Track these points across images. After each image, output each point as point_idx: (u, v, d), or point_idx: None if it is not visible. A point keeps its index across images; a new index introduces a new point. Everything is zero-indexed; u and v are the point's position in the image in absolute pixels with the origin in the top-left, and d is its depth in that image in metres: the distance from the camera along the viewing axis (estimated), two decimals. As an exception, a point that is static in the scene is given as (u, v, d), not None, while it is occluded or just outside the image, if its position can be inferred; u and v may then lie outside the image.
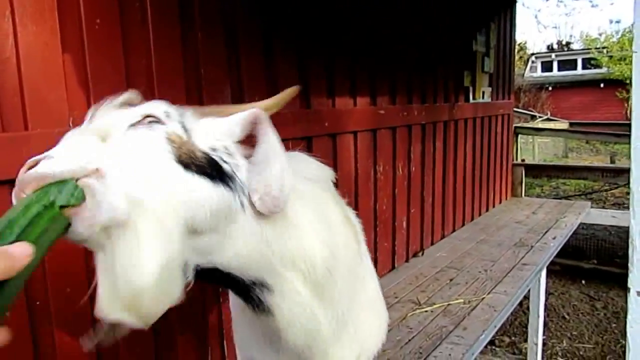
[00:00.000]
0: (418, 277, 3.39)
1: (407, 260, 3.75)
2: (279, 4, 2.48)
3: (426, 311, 2.84)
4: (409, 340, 2.51)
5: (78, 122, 1.65)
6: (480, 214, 5.02)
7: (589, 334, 4.75)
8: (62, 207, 0.72)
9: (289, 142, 2.36)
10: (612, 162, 11.50)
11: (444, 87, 4.19)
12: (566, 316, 5.10)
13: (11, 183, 1.49)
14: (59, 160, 0.76)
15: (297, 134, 2.55)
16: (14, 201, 0.76)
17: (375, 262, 3.35)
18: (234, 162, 0.95)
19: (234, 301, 1.36)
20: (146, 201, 0.77)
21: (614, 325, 4.86)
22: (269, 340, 1.20)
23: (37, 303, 1.62)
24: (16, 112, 1.53)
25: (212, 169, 0.90)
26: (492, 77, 5.12)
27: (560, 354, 4.43)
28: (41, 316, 1.63)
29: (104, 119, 0.90)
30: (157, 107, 0.93)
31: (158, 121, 0.89)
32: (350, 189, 3.07)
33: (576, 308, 5.27)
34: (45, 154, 0.78)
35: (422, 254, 3.89)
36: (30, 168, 0.75)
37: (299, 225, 1.07)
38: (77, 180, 0.74)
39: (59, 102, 1.63)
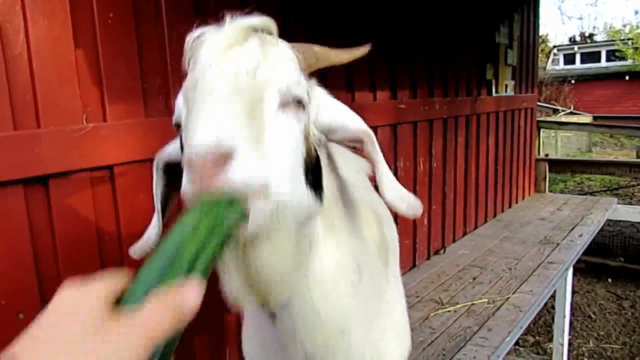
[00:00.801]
0: (440, 276, 3.31)
1: (428, 258, 3.67)
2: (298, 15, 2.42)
3: (449, 311, 2.76)
4: (432, 342, 2.44)
5: (92, 119, 1.62)
6: (503, 211, 4.90)
7: (617, 334, 4.61)
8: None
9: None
10: (638, 156, 11.22)
11: (466, 80, 4.08)
12: (592, 315, 4.96)
13: (24, 182, 1.46)
14: (246, 168, 0.70)
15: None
16: (186, 185, 0.71)
17: (396, 260, 3.28)
18: (321, 156, 0.96)
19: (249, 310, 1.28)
20: (284, 219, 0.80)
21: (644, 324, 4.72)
22: (278, 345, 1.12)
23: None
24: (28, 109, 1.49)
25: (316, 172, 0.92)
26: (515, 70, 4.99)
27: (586, 354, 4.31)
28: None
29: (252, 72, 0.80)
30: (302, 84, 0.88)
31: (302, 105, 0.87)
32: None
33: (602, 307, 5.13)
34: (224, 140, 0.68)
35: (444, 251, 3.80)
36: (215, 158, 0.68)
37: (343, 236, 1.07)
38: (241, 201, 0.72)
39: (71, 99, 1.59)
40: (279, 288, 0.87)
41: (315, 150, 0.92)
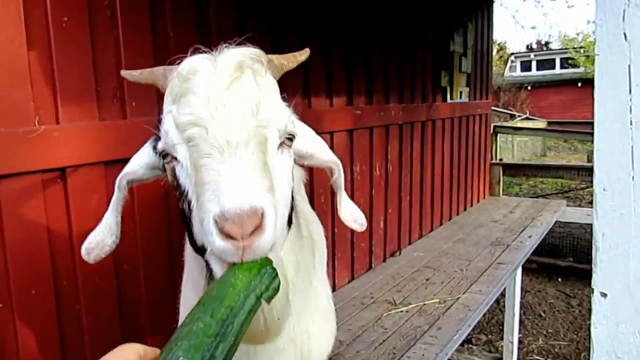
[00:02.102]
0: (394, 277, 3.40)
1: (384, 260, 3.76)
2: (255, 9, 2.46)
3: (401, 311, 2.85)
4: (384, 341, 2.51)
5: (44, 121, 1.63)
6: (458, 213, 5.05)
7: (564, 331, 4.81)
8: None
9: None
10: (589, 160, 11.66)
11: (422, 87, 4.20)
12: (542, 314, 5.16)
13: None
14: (275, 231, 0.78)
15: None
16: (220, 246, 0.76)
17: (351, 262, 3.35)
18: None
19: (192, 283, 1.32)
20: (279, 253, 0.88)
21: (589, 322, 4.91)
22: None
23: (0, 305, 1.58)
24: (-22, 111, 1.49)
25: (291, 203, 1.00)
26: (470, 77, 5.15)
27: (535, 351, 4.48)
28: (4, 315, 1.60)
29: (253, 112, 0.84)
30: (292, 118, 0.94)
31: (292, 139, 0.94)
32: (326, 190, 3.07)
33: (552, 306, 5.33)
34: (255, 200, 0.75)
35: (400, 253, 3.90)
36: (254, 224, 0.74)
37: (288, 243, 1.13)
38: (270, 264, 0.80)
39: (23, 100, 1.59)
40: (282, 323, 0.96)
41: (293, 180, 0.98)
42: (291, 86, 2.74)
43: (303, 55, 1.18)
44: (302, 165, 1.20)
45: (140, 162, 1.09)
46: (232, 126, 0.80)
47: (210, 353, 0.62)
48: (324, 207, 3.03)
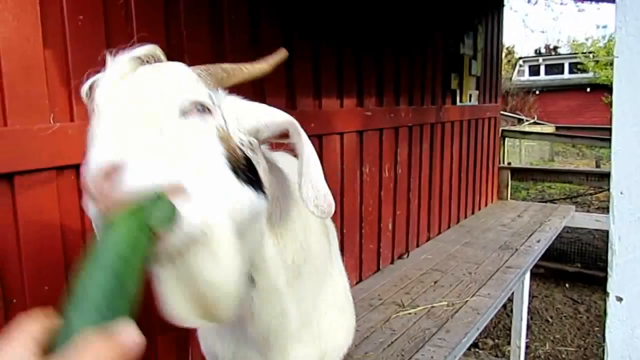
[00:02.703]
0: (402, 279, 3.40)
1: (392, 262, 3.75)
2: (267, 7, 2.47)
3: (410, 313, 2.84)
4: (392, 343, 2.51)
5: (59, 118, 1.64)
6: (466, 217, 5.04)
7: (572, 337, 4.79)
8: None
9: (274, 143, 2.35)
10: (598, 166, 11.62)
11: (431, 89, 4.20)
12: (549, 319, 5.13)
13: (-11, 180, 1.47)
14: (142, 171, 0.70)
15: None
16: (91, 211, 0.71)
17: (360, 263, 3.35)
18: (257, 160, 0.95)
19: None
20: (217, 217, 0.78)
21: (596, 328, 4.89)
22: (231, 329, 1.22)
23: (14, 301, 1.59)
24: (-5, 107, 1.50)
25: (251, 173, 0.90)
26: (480, 81, 5.15)
27: (542, 357, 4.46)
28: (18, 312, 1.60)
29: (143, 93, 0.80)
30: (202, 91, 0.88)
31: (207, 110, 0.86)
32: (336, 191, 3.07)
33: (559, 311, 5.31)
34: (114, 157, 0.68)
35: (407, 256, 3.89)
36: (107, 176, 0.67)
37: (292, 228, 1.13)
38: (163, 198, 0.70)
39: (39, 98, 1.60)
40: (229, 300, 0.80)
41: (242, 152, 0.91)
42: (302, 86, 2.75)
43: (278, 56, 1.10)
44: (272, 145, 1.10)
45: None
46: (114, 104, 0.78)
47: (107, 303, 0.57)
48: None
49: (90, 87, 0.85)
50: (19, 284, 1.59)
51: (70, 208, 1.72)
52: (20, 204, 1.57)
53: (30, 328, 0.53)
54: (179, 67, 0.90)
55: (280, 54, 1.11)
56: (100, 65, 0.87)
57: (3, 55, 1.50)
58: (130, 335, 0.54)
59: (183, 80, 0.87)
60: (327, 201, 0.97)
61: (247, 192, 0.87)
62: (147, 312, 1.99)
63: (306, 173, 0.96)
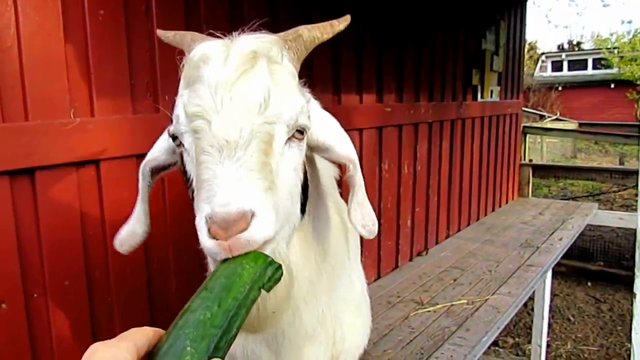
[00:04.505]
0: (421, 277, 3.36)
1: (410, 260, 3.72)
2: (288, 3, 2.46)
3: (429, 311, 2.82)
4: (411, 341, 2.48)
5: (79, 113, 1.65)
6: (486, 214, 4.97)
7: (594, 336, 4.71)
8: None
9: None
10: (621, 163, 11.40)
11: (452, 85, 4.15)
12: (571, 318, 5.05)
13: (10, 174, 1.48)
14: (267, 225, 0.77)
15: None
16: (212, 248, 0.76)
17: (378, 260, 3.33)
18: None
19: None
20: (283, 246, 0.89)
21: (619, 328, 4.81)
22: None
23: (35, 295, 1.61)
24: (17, 102, 1.51)
25: (305, 188, 0.99)
26: (501, 76, 5.07)
27: (564, 356, 4.39)
28: (38, 306, 1.62)
29: (261, 109, 0.82)
30: (304, 110, 0.90)
31: (304, 132, 0.91)
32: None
33: (581, 310, 5.22)
34: (244, 205, 0.75)
35: (426, 253, 3.86)
36: (239, 228, 0.74)
37: (315, 227, 1.15)
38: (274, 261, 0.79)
39: (60, 93, 1.61)
40: (278, 317, 0.91)
41: (305, 168, 0.96)
42: (321, 81, 2.74)
43: (342, 23, 1.13)
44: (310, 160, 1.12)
45: (161, 146, 1.09)
46: (235, 123, 0.79)
47: (214, 344, 0.63)
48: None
49: (199, 58, 0.86)
50: (40, 279, 1.61)
51: (90, 203, 1.73)
52: (41, 198, 1.59)
53: (138, 337, 0.59)
54: (288, 63, 0.91)
55: (345, 20, 1.16)
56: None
57: (25, 50, 1.51)
58: None
59: (294, 90, 0.89)
60: (372, 220, 1.07)
61: (299, 216, 0.96)
62: (166, 309, 2.00)
63: (356, 202, 1.05)
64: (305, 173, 0.97)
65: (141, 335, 0.60)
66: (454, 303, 2.91)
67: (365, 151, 3.13)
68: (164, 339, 0.62)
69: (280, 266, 0.78)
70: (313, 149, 1.01)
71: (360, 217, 1.04)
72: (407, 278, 3.35)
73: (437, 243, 4.09)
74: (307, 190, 1.01)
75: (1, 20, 1.45)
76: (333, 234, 1.23)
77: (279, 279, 0.78)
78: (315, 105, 1.03)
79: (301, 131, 0.88)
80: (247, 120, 0.79)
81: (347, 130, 3.26)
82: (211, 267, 0.83)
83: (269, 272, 0.76)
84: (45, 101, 1.57)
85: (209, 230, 0.74)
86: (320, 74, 2.71)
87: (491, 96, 4.84)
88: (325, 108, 2.99)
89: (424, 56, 3.69)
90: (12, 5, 1.48)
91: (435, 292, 3.09)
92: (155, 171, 1.13)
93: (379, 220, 3.60)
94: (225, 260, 0.75)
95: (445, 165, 4.16)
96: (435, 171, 4.00)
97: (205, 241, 0.75)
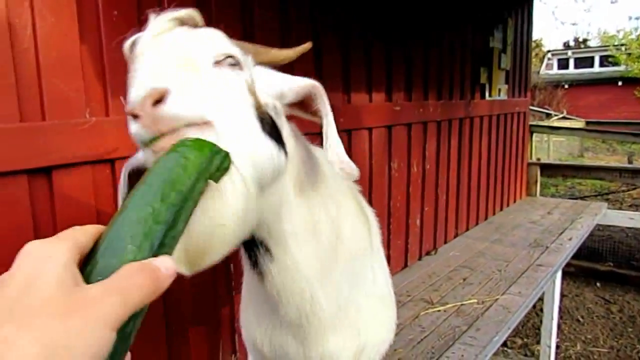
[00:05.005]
0: (431, 276, 3.36)
1: (419, 259, 3.72)
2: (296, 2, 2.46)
3: (439, 311, 2.81)
4: (421, 340, 2.49)
5: (95, 113, 1.66)
6: (494, 213, 4.97)
7: (604, 337, 4.69)
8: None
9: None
10: (630, 162, 11.35)
11: (460, 83, 4.14)
12: (580, 319, 5.04)
13: (28, 173, 1.50)
14: (184, 100, 0.74)
15: (312, 130, 2.53)
16: (138, 133, 0.74)
17: (387, 259, 3.32)
18: (280, 124, 0.97)
19: (246, 273, 1.30)
20: (237, 161, 0.77)
21: (629, 329, 4.79)
22: (269, 310, 1.20)
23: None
24: (34, 102, 1.53)
25: (274, 129, 0.92)
26: (509, 74, 5.06)
27: (573, 357, 4.38)
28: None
29: (181, 43, 0.84)
30: (234, 47, 0.91)
31: (238, 64, 0.89)
32: (364, 186, 3.05)
33: (591, 311, 5.20)
34: (158, 84, 0.73)
35: (435, 252, 3.86)
36: (151, 99, 0.71)
37: (316, 200, 1.11)
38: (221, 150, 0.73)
39: (76, 93, 1.62)
40: (218, 249, 0.76)
41: (267, 109, 0.93)
42: (331, 80, 2.74)
43: (303, 47, 1.10)
44: (289, 117, 1.07)
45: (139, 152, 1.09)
46: (154, 49, 0.82)
47: (159, 242, 0.57)
48: (362, 204, 3.01)
49: (133, 44, 0.87)
50: (56, 277, 1.62)
51: (106, 202, 1.74)
52: (58, 197, 1.60)
53: (78, 238, 0.52)
54: (214, 30, 0.93)
55: (306, 46, 1.11)
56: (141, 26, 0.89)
57: (41, 51, 1.52)
58: (168, 267, 0.54)
59: (218, 37, 0.90)
60: (350, 163, 1.01)
61: (269, 144, 0.87)
62: (178, 303, 2.01)
63: (330, 136, 1.01)
64: (271, 119, 0.93)
65: (82, 233, 0.53)
66: (464, 302, 2.91)
67: (374, 150, 3.13)
68: (102, 238, 0.55)
69: (227, 155, 0.73)
70: (280, 98, 0.99)
71: (337, 154, 1.01)
72: (417, 277, 3.36)
73: (445, 242, 4.08)
74: (279, 133, 0.95)
75: (19, 21, 1.47)
76: (347, 215, 1.22)
77: (226, 169, 0.73)
78: (262, 68, 1.01)
79: (233, 63, 0.88)
80: (169, 47, 0.82)
81: (357, 129, 3.26)
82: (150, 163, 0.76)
83: (217, 161, 0.70)
84: (61, 101, 1.58)
85: (129, 117, 0.73)
86: (330, 73, 2.71)
87: (499, 94, 4.83)
88: (335, 107, 3.00)
89: (432, 55, 3.69)
90: (29, 7, 1.49)
91: (445, 292, 3.09)
92: (138, 173, 1.12)
93: (388, 219, 3.60)
94: (166, 153, 0.68)
95: (454, 164, 4.15)
96: (444, 170, 3.99)
97: (131, 128, 0.74)
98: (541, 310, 4.32)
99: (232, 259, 2.13)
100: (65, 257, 0.48)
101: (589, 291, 5.66)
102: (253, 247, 1.06)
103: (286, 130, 1.01)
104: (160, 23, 0.87)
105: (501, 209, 5.13)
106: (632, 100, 20.44)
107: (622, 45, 22.33)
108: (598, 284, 5.78)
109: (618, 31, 27.20)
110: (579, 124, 13.15)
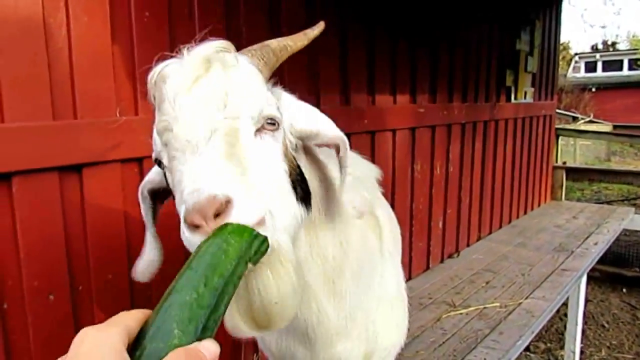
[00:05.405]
0: (453, 279, 3.34)
1: (442, 261, 3.70)
2: (323, 3, 2.47)
3: (461, 313, 2.80)
4: (443, 342, 2.48)
5: (124, 112, 1.69)
6: (518, 217, 4.91)
7: (629, 344, 4.59)
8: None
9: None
10: (658, 167, 11.08)
11: (486, 85, 4.11)
12: (605, 325, 4.94)
13: (60, 170, 1.54)
14: (247, 212, 0.75)
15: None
16: (192, 238, 0.74)
17: (409, 261, 3.32)
18: (299, 159, 0.99)
19: None
20: (283, 238, 0.82)
21: (656, 336, 4.69)
22: None
23: (80, 288, 1.66)
24: (66, 101, 1.57)
25: (302, 183, 0.96)
26: (535, 77, 4.99)
27: (598, 363, 4.31)
28: (83, 299, 1.67)
29: (221, 97, 0.82)
30: (272, 102, 0.91)
31: (276, 124, 0.90)
32: (387, 187, 3.05)
33: (616, 317, 5.10)
34: (214, 188, 0.73)
35: (458, 255, 3.83)
36: (216, 212, 0.72)
37: (327, 227, 1.12)
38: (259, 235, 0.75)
39: (107, 92, 1.66)
40: (286, 313, 0.82)
41: (295, 160, 0.94)
42: (356, 82, 2.75)
43: (315, 30, 1.10)
44: (307, 150, 1.08)
45: (156, 169, 1.09)
46: (194, 124, 0.79)
47: (202, 325, 0.61)
48: (384, 205, 3.01)
49: (159, 76, 0.86)
50: (85, 272, 1.66)
51: (134, 199, 1.77)
52: (87, 194, 1.64)
53: (128, 320, 0.58)
54: (246, 65, 0.91)
55: (319, 27, 1.11)
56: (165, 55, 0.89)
57: (75, 50, 1.56)
58: (212, 352, 0.59)
59: (255, 86, 0.89)
60: (362, 204, 1.12)
61: (300, 209, 0.92)
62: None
63: (346, 186, 1.05)
64: (298, 167, 0.96)
65: (131, 319, 0.59)
66: (486, 306, 2.89)
67: (398, 152, 3.12)
68: (150, 322, 0.60)
69: (266, 239, 0.75)
70: (304, 138, 1.00)
71: (349, 199, 1.08)
72: (439, 280, 3.34)
73: (468, 245, 4.05)
74: (306, 184, 0.98)
75: (54, 21, 1.51)
76: (356, 228, 1.22)
77: (265, 252, 0.75)
78: (288, 97, 1.02)
79: (272, 122, 0.88)
80: (206, 119, 0.80)
81: (380, 131, 3.26)
82: None
83: (255, 245, 0.73)
84: (93, 100, 1.62)
85: (188, 224, 0.72)
86: (354, 74, 2.72)
87: (525, 97, 4.78)
88: (360, 108, 2.99)
89: (457, 56, 3.67)
90: (64, 8, 1.53)
91: (467, 295, 3.07)
92: (155, 194, 1.14)
93: (410, 221, 3.59)
94: (208, 238, 0.71)
95: (478, 167, 4.12)
96: (467, 172, 3.97)
97: (187, 235, 0.74)
98: (565, 315, 4.26)
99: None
100: (118, 343, 0.53)
101: (615, 297, 5.55)
102: None
103: (303, 163, 1.02)
104: (194, 64, 0.84)
105: (525, 213, 5.07)
106: (661, 104, 19.98)
107: (651, 48, 21.86)
108: (624, 290, 5.66)
109: (648, 34, 26.60)
110: (606, 127, 12.91)
